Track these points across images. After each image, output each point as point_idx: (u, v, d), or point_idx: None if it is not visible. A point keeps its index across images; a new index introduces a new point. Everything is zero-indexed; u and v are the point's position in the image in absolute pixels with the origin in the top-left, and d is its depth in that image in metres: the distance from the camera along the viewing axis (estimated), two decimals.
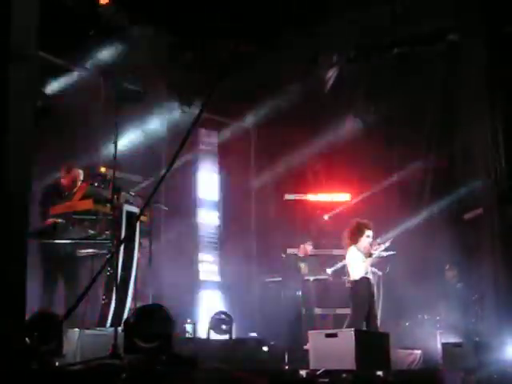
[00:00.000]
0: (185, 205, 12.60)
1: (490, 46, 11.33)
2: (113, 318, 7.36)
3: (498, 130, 11.32)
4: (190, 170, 12.96)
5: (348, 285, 9.79)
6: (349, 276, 9.74)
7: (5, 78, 4.84)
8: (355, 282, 9.43)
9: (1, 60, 4.65)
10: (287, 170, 13.15)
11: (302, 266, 11.64)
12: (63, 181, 8.59)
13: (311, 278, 11.89)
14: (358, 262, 9.40)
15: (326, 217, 13.88)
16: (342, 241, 9.89)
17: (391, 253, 9.73)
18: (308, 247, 11.88)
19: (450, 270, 12.23)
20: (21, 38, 5.24)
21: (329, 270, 11.67)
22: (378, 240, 9.63)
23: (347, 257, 9.66)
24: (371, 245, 9.59)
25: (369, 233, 9.54)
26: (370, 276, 9.47)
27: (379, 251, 9.54)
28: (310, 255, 12.02)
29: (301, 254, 11.91)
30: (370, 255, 9.46)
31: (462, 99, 12.70)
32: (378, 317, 10.96)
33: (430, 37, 12.89)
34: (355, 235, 9.55)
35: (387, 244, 9.62)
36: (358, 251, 9.45)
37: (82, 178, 8.58)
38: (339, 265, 11.01)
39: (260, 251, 13.38)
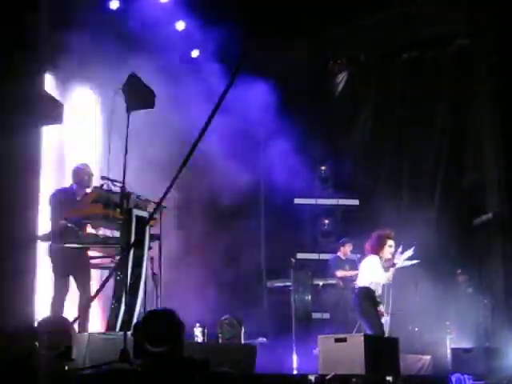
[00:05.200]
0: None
1: (500, 50, 11.34)
2: (122, 322, 7.36)
3: (508, 133, 11.33)
4: None
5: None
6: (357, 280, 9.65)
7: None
8: (362, 288, 9.25)
9: None
10: (296, 173, 13.12)
11: (347, 267, 11.61)
12: (75, 183, 8.55)
13: (321, 283, 11.88)
14: (372, 270, 9.26)
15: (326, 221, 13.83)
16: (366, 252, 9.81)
17: (415, 261, 9.54)
18: (348, 248, 11.82)
19: (462, 275, 12.20)
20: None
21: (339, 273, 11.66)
22: (400, 249, 9.49)
23: (364, 261, 9.43)
24: (393, 254, 9.44)
25: (390, 242, 9.30)
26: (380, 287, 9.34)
27: (402, 260, 9.38)
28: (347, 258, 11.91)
29: (343, 257, 11.88)
30: (393, 265, 9.22)
31: (472, 103, 12.70)
32: (388, 322, 10.94)
33: (439, 41, 12.90)
34: (376, 247, 9.31)
35: (410, 253, 9.45)
36: (377, 260, 9.22)
37: (92, 178, 8.54)
38: None
39: (269, 255, 13.37)
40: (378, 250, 9.33)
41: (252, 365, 8.35)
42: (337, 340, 7.93)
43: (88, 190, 8.45)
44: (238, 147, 11.71)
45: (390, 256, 9.31)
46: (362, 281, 9.32)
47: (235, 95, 10.03)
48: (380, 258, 9.25)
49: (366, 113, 13.91)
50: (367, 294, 9.18)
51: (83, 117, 11.11)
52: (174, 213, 11.20)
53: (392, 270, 9.28)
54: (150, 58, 10.60)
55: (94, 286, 8.24)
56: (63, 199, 8.31)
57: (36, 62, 5.59)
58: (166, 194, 6.45)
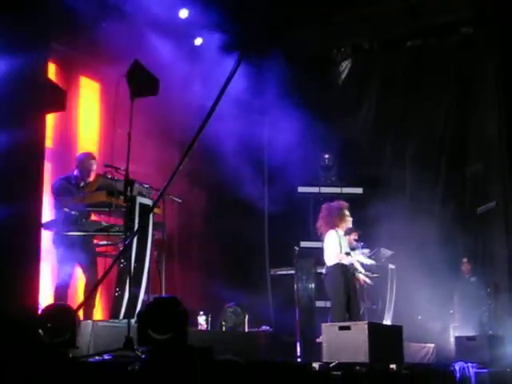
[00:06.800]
0: None
1: (504, 38, 11.30)
2: (126, 309, 7.37)
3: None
4: None
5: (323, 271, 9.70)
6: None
7: None
8: (330, 267, 9.44)
9: None
10: (299, 162, 13.09)
11: None
12: (78, 171, 8.53)
13: (324, 271, 11.85)
14: (335, 246, 9.37)
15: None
16: (319, 228, 9.86)
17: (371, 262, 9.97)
18: (353, 237, 11.81)
19: (467, 263, 12.20)
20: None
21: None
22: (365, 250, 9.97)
23: (326, 240, 9.57)
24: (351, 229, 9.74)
25: (347, 212, 9.57)
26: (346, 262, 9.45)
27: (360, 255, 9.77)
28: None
29: None
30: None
31: (475, 92, 12.66)
32: (391, 310, 10.97)
33: (443, 29, 12.85)
34: (335, 219, 9.53)
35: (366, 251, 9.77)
36: (337, 235, 9.43)
37: (95, 167, 8.53)
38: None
39: (273, 243, 13.35)
40: (335, 222, 9.52)
41: (255, 353, 8.36)
42: (341, 328, 7.94)
43: (91, 178, 8.43)
44: (242, 136, 11.68)
45: (350, 224, 9.65)
46: (330, 259, 9.45)
47: (238, 84, 10.05)
48: (337, 232, 9.45)
49: (369, 101, 13.87)
50: (336, 274, 9.36)
51: (86, 104, 11.12)
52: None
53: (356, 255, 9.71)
54: (153, 46, 10.61)
55: (99, 273, 8.24)
56: (66, 187, 8.30)
57: (38, 47, 5.59)
58: (170, 180, 6.45)
